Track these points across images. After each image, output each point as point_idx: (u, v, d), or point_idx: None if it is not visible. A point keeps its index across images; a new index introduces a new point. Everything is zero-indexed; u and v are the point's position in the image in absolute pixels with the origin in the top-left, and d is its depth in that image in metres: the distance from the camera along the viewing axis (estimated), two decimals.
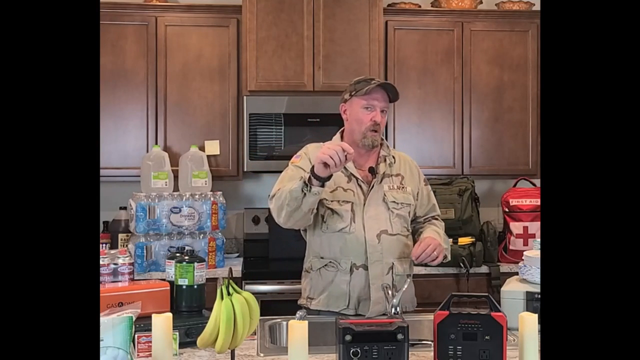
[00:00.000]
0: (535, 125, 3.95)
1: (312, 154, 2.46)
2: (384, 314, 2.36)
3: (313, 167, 2.20)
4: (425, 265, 2.42)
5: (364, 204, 2.41)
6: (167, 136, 3.79)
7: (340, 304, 2.39)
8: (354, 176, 2.44)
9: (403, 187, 2.49)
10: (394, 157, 2.53)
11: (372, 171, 2.46)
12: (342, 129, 2.56)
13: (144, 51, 3.76)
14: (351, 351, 1.69)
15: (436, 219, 2.61)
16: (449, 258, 2.52)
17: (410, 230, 2.53)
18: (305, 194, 2.21)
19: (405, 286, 2.21)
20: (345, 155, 2.14)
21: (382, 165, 2.48)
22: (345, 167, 2.43)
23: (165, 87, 3.77)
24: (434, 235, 2.42)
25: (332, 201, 2.40)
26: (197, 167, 3.62)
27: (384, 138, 2.54)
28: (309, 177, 2.20)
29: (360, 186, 2.43)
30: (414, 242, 2.48)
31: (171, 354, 1.67)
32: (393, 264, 2.41)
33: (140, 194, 3.49)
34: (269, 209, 3.82)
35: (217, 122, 3.80)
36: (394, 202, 2.44)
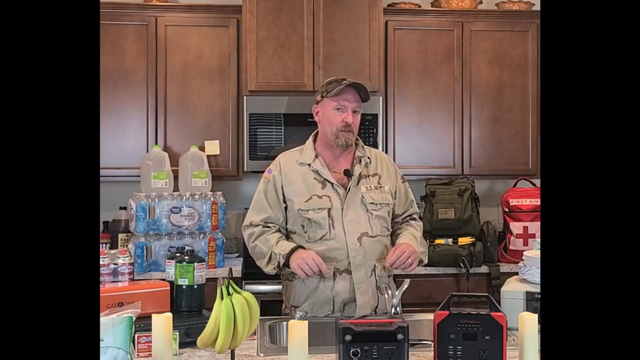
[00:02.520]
0: (535, 125, 3.95)
1: (284, 164, 2.49)
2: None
3: (290, 253, 2.33)
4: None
5: (342, 208, 2.38)
6: (167, 136, 3.79)
7: (325, 310, 2.38)
8: (329, 181, 2.41)
9: (381, 187, 2.46)
10: (369, 158, 2.49)
11: (348, 173, 2.42)
12: (315, 131, 2.53)
13: (144, 51, 3.76)
14: (351, 351, 1.69)
15: (414, 218, 2.58)
16: (426, 261, 2.51)
17: (390, 230, 2.52)
18: (278, 269, 2.41)
19: (406, 286, 2.21)
20: (320, 270, 2.29)
21: (358, 166, 2.45)
22: (319, 173, 2.42)
23: (165, 87, 3.77)
24: (410, 241, 2.40)
25: (307, 210, 2.38)
26: (197, 167, 3.62)
27: (358, 138, 2.51)
28: (284, 262, 2.35)
29: (336, 190, 2.40)
30: (393, 242, 2.48)
31: (171, 354, 1.67)
32: (375, 265, 2.40)
33: (140, 194, 3.49)
34: None
35: (217, 122, 3.80)
36: (372, 203, 2.41)
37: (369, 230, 2.39)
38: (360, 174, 2.44)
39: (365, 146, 2.53)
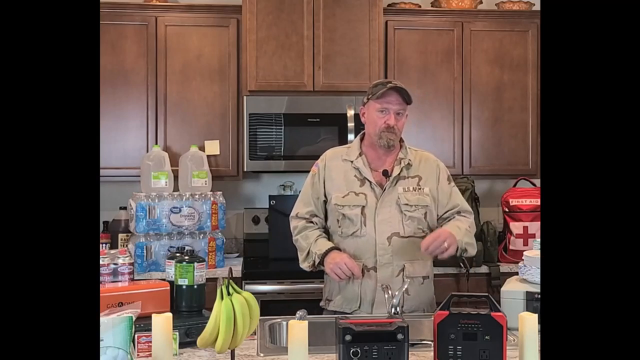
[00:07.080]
0: (535, 125, 3.95)
1: (329, 158, 2.57)
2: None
3: (325, 254, 2.41)
4: (437, 261, 2.49)
5: (376, 207, 2.44)
6: (167, 136, 3.79)
7: (353, 306, 2.43)
8: (368, 180, 2.47)
9: (420, 189, 2.49)
10: (410, 160, 2.52)
11: (386, 174, 2.48)
12: (362, 132, 2.60)
13: (144, 51, 3.76)
14: (351, 351, 1.69)
15: (464, 216, 2.56)
16: (472, 253, 2.52)
17: (430, 230, 2.51)
18: (314, 267, 2.50)
19: (405, 286, 2.21)
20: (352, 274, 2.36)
21: (397, 167, 2.49)
22: (359, 171, 2.48)
23: (165, 87, 3.77)
24: (451, 228, 2.41)
25: (343, 206, 2.46)
26: (197, 167, 3.62)
27: (403, 139, 2.56)
28: (319, 262, 2.45)
29: (373, 189, 2.46)
30: None
31: (171, 354, 1.67)
32: (404, 266, 2.42)
33: (140, 194, 3.49)
34: (268, 209, 3.86)
35: (217, 122, 3.80)
36: (406, 204, 2.45)
37: (400, 231, 2.44)
38: (399, 174, 2.49)
39: (410, 148, 2.57)
